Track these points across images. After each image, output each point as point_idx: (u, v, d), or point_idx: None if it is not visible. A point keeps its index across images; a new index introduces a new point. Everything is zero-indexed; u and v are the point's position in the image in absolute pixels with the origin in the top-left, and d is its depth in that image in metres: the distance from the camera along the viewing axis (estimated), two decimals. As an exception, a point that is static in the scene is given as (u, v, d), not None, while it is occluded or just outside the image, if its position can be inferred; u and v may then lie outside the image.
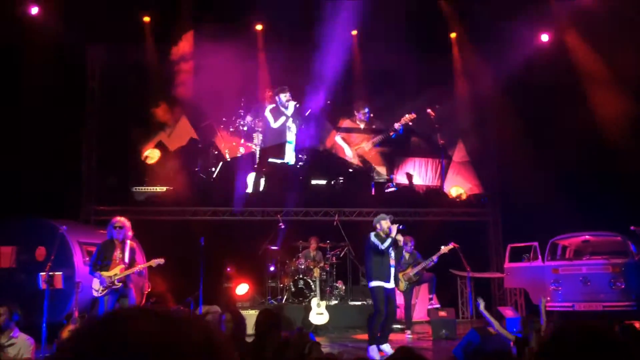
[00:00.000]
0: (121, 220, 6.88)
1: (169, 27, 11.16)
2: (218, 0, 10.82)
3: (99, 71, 11.96)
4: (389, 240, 7.05)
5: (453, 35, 12.10)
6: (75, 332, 0.80)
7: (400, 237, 7.34)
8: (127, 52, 11.61)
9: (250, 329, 5.41)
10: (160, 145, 11.88)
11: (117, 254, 6.62)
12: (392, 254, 7.24)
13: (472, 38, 11.59)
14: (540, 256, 9.78)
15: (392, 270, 7.22)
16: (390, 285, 7.20)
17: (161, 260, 6.98)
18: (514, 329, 7.30)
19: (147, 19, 11.26)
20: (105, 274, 6.57)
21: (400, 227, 7.21)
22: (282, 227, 10.69)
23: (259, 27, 11.59)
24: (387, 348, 7.17)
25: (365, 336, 8.59)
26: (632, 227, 9.21)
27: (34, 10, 10.09)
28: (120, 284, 6.56)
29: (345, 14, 10.68)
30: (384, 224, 7.14)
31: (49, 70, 9.77)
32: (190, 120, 12.03)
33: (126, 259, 6.59)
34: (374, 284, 7.13)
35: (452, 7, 11.00)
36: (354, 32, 11.88)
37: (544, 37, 11.17)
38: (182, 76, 11.64)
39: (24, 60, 9.32)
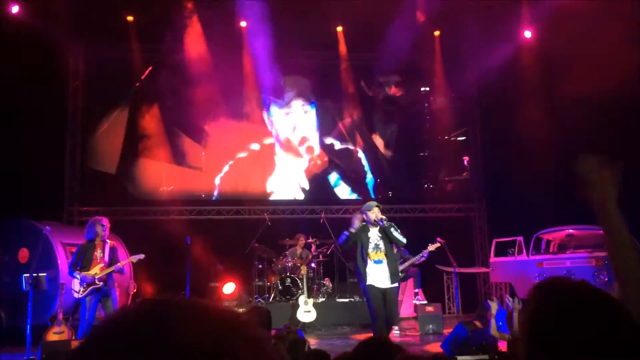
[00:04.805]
0: (106, 219, 6.85)
1: (156, 27, 11.00)
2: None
3: (82, 70, 11.78)
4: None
5: (437, 33, 12.14)
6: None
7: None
8: (111, 51, 11.45)
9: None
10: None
11: (98, 253, 6.55)
12: (382, 247, 6.21)
13: (453, 35, 11.63)
14: (525, 250, 9.87)
15: (379, 267, 6.14)
16: (372, 283, 6.12)
17: (141, 256, 6.99)
18: (499, 323, 7.33)
19: (130, 18, 11.11)
20: (85, 273, 6.48)
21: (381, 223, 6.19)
22: (269, 224, 10.67)
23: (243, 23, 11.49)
24: None
25: (354, 334, 8.64)
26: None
27: (15, 9, 9.90)
28: (101, 283, 6.46)
29: None
30: (371, 214, 6.23)
31: (32, 70, 9.61)
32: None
33: (106, 258, 6.52)
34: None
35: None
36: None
37: (527, 34, 11.20)
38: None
39: (3, 59, 9.15)
